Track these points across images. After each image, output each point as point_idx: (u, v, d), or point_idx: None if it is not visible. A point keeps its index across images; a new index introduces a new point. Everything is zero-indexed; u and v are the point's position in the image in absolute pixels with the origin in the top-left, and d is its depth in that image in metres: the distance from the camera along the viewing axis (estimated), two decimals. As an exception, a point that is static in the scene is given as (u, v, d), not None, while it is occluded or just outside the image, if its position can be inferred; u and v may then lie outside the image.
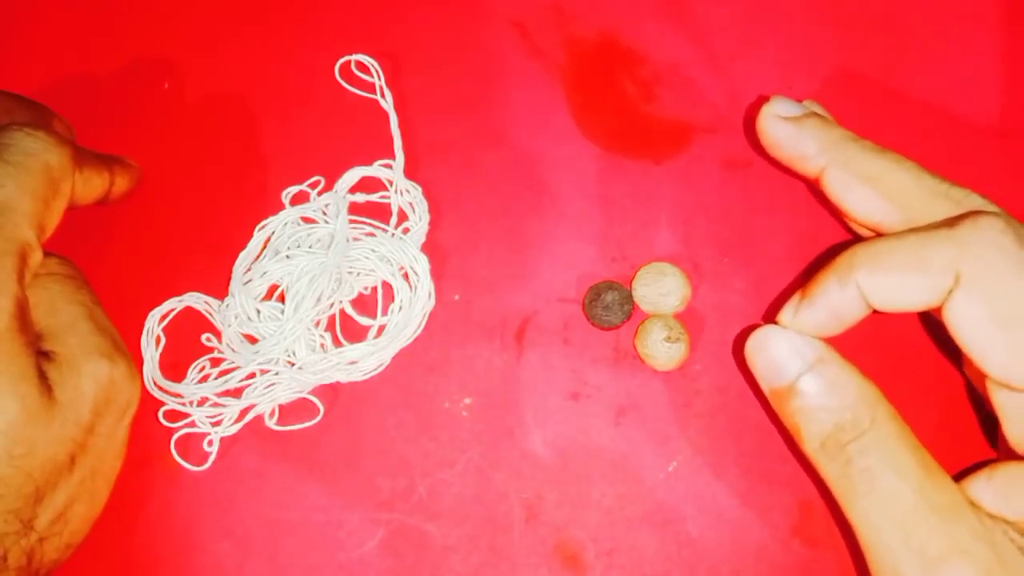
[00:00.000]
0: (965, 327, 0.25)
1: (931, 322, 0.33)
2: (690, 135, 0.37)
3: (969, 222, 0.25)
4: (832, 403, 0.27)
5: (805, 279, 0.29)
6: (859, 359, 0.28)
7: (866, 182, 0.28)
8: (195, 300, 0.35)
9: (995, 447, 0.31)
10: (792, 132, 0.30)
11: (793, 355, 0.28)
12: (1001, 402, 0.26)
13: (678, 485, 0.33)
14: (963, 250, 0.25)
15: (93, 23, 0.40)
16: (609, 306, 0.34)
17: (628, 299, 0.34)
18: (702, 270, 0.35)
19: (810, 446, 0.27)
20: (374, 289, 0.35)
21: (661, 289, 0.33)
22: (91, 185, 0.32)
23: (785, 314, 0.28)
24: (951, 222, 0.26)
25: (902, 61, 0.37)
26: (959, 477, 0.27)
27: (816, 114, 0.30)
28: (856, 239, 0.31)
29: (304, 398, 0.34)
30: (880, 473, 0.26)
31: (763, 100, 0.31)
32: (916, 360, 0.33)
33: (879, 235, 0.29)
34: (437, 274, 0.35)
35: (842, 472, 0.27)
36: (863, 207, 0.28)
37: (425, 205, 0.36)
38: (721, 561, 0.32)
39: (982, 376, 0.26)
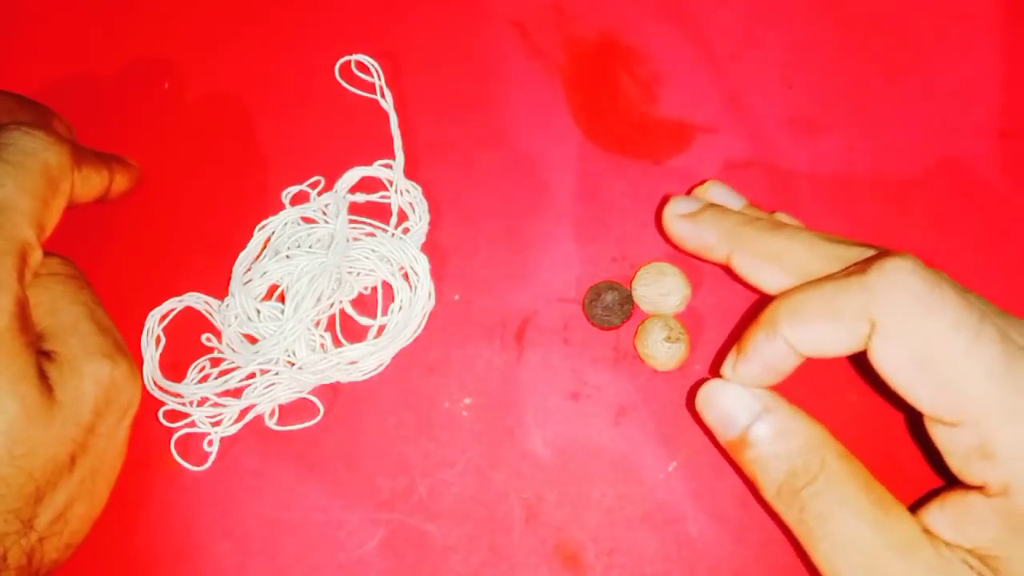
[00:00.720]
0: (889, 370, 0.26)
1: (862, 363, 0.33)
2: (690, 135, 0.37)
3: (876, 268, 0.26)
4: (782, 450, 0.28)
5: (739, 332, 0.30)
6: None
7: (768, 261, 0.29)
8: (195, 300, 0.35)
9: (941, 475, 0.31)
10: (691, 228, 0.31)
11: (740, 407, 0.29)
12: (938, 435, 0.26)
13: (678, 485, 0.33)
14: (873, 296, 0.26)
15: (93, 23, 0.40)
16: (609, 306, 0.34)
17: (628, 299, 0.34)
18: (702, 270, 0.35)
19: (768, 494, 0.28)
20: (374, 289, 0.35)
21: (661, 289, 0.33)
22: (90, 183, 0.32)
23: (726, 368, 0.29)
24: (862, 267, 0.27)
25: (902, 61, 0.37)
26: (916, 506, 0.28)
27: (712, 205, 0.32)
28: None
29: (304, 398, 0.34)
30: (835, 515, 0.26)
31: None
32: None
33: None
34: (437, 274, 0.35)
35: (799, 518, 0.27)
36: (772, 283, 0.29)
37: (425, 205, 0.36)
38: (721, 561, 0.32)
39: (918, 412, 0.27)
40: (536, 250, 0.35)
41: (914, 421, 0.32)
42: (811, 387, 0.33)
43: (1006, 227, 0.35)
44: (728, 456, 0.30)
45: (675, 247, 0.33)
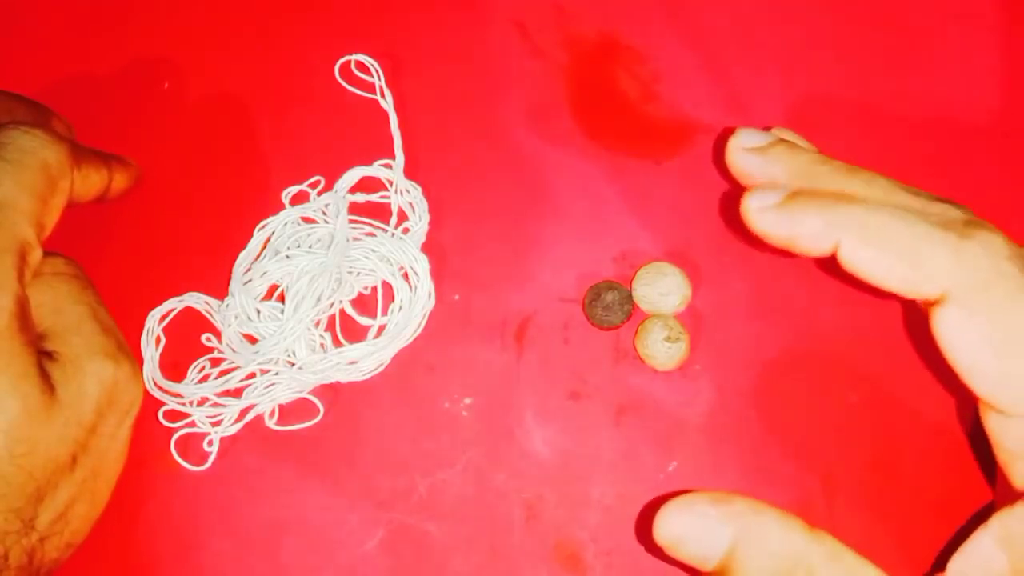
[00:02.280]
0: (956, 345, 0.25)
1: (919, 331, 0.33)
2: (690, 135, 0.37)
3: (979, 240, 0.25)
4: (765, 569, 0.25)
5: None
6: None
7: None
8: (195, 300, 0.35)
9: (992, 483, 0.31)
10: (759, 162, 0.29)
11: (708, 539, 0.26)
12: (992, 422, 0.25)
13: (678, 485, 0.33)
14: (962, 266, 0.24)
15: (93, 23, 0.40)
16: (609, 306, 0.34)
17: (628, 299, 0.34)
18: (702, 270, 0.35)
19: None
20: (374, 289, 0.35)
21: (661, 289, 0.33)
22: (89, 182, 0.32)
23: (755, 198, 0.27)
24: (962, 230, 0.25)
25: (902, 61, 0.37)
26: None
27: (783, 140, 0.30)
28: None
29: (304, 398, 0.34)
30: None
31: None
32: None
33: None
34: (437, 274, 0.35)
35: None
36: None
37: (425, 205, 0.36)
38: (721, 561, 0.32)
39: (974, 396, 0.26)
40: (536, 250, 0.35)
41: (976, 440, 0.32)
42: (811, 387, 0.33)
43: (1006, 227, 0.35)
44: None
45: (735, 183, 0.30)
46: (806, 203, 0.27)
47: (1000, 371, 0.24)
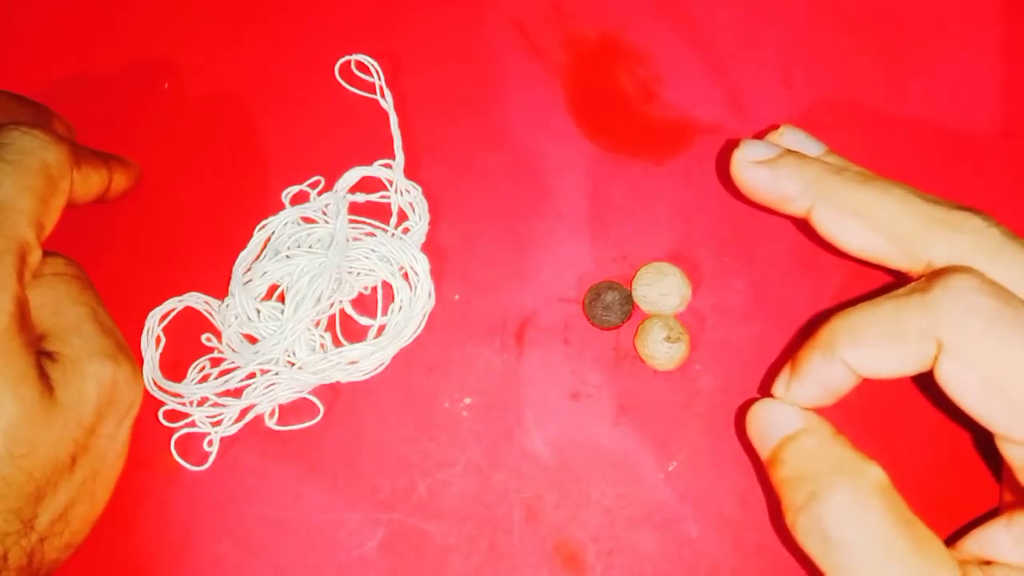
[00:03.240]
0: (959, 393, 0.24)
1: (924, 380, 0.33)
2: (690, 135, 0.37)
3: (940, 285, 0.25)
4: (808, 472, 0.26)
5: (794, 348, 0.28)
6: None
7: (856, 217, 0.27)
8: (195, 300, 0.35)
9: (997, 476, 0.31)
10: (769, 175, 0.28)
11: (778, 423, 0.27)
12: (1010, 453, 0.25)
13: (678, 485, 0.33)
14: (939, 317, 0.24)
15: (93, 23, 0.40)
16: (609, 306, 0.34)
17: (628, 299, 0.34)
18: (702, 270, 0.35)
19: (788, 518, 0.26)
20: (374, 289, 0.35)
21: (661, 289, 0.33)
22: (89, 183, 0.32)
23: (778, 388, 0.28)
24: (924, 285, 0.25)
25: (902, 61, 0.37)
26: (974, 524, 0.27)
27: (791, 152, 0.29)
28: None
29: (304, 398, 0.34)
30: (859, 552, 0.24)
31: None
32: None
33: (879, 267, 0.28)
34: (437, 274, 0.35)
35: (821, 549, 0.25)
36: (857, 242, 0.28)
37: (425, 205, 0.36)
38: (721, 561, 0.32)
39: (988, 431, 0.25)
40: (536, 250, 0.35)
41: (980, 437, 0.32)
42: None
43: (1007, 227, 0.35)
44: (764, 475, 0.28)
45: (743, 198, 0.30)
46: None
47: (1012, 410, 0.24)
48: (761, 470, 0.29)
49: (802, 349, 0.27)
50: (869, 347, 0.26)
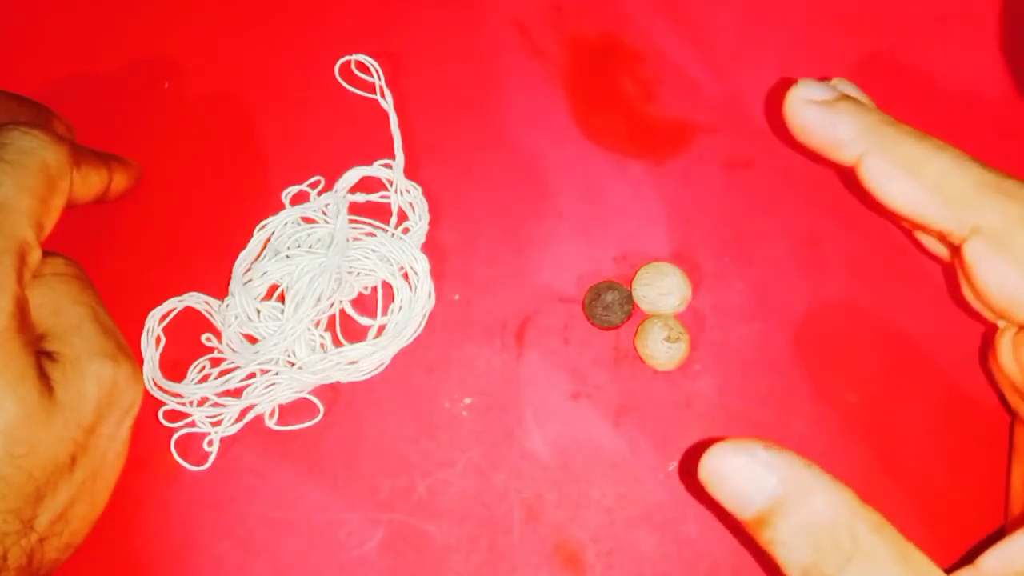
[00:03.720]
0: (991, 277, 0.24)
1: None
2: (690, 135, 0.37)
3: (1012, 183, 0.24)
4: (806, 529, 0.24)
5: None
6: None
7: (907, 171, 0.26)
8: (195, 300, 0.35)
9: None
10: (824, 117, 0.27)
11: (752, 484, 0.24)
12: None
13: (678, 485, 0.32)
14: (999, 201, 0.24)
15: (93, 23, 0.40)
16: (609, 306, 0.34)
17: (628, 299, 0.34)
18: (702, 270, 0.35)
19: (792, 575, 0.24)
20: (374, 289, 0.35)
21: (661, 289, 0.33)
22: (89, 183, 0.32)
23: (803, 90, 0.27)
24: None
25: (902, 61, 0.37)
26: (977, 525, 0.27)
27: (848, 96, 0.28)
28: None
29: (304, 398, 0.34)
30: None
31: (781, 86, 0.30)
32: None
33: (919, 227, 0.27)
34: (437, 274, 0.35)
35: None
36: (904, 199, 0.26)
37: (425, 205, 0.36)
38: (721, 561, 0.32)
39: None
40: (536, 250, 0.35)
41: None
42: (811, 387, 0.33)
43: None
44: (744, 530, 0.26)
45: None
46: (849, 110, 0.27)
47: None
48: (726, 515, 0.26)
49: (851, 102, 0.27)
50: (904, 172, 0.25)
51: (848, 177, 0.28)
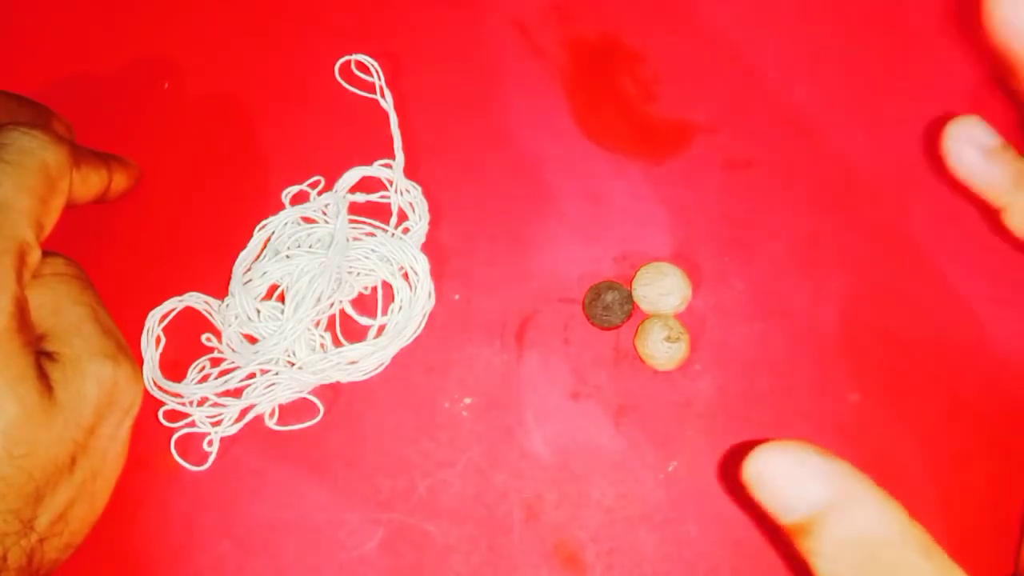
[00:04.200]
0: None
1: None
2: (690, 135, 0.37)
3: None
4: (852, 544, 0.23)
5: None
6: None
7: None
8: (195, 300, 0.35)
9: None
10: (982, 162, 0.28)
11: (801, 492, 0.23)
12: None
13: (678, 485, 0.33)
14: None
15: (93, 23, 0.40)
16: (609, 306, 0.34)
17: (628, 299, 0.34)
18: (702, 270, 0.35)
19: None
20: (374, 289, 0.35)
21: (661, 289, 0.33)
22: (89, 183, 0.32)
23: None
24: None
25: (902, 61, 0.37)
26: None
27: (1007, 146, 0.28)
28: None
29: (304, 398, 0.34)
30: None
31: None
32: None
33: None
34: (437, 274, 0.35)
35: None
36: None
37: (425, 205, 0.36)
38: (721, 561, 0.32)
39: None
40: (536, 250, 0.35)
41: None
42: (811, 387, 0.33)
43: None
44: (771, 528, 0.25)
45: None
46: (1006, 161, 0.27)
47: None
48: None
49: (1010, 152, 0.26)
50: None
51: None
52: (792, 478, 0.23)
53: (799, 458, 0.24)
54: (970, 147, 0.28)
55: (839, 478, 0.24)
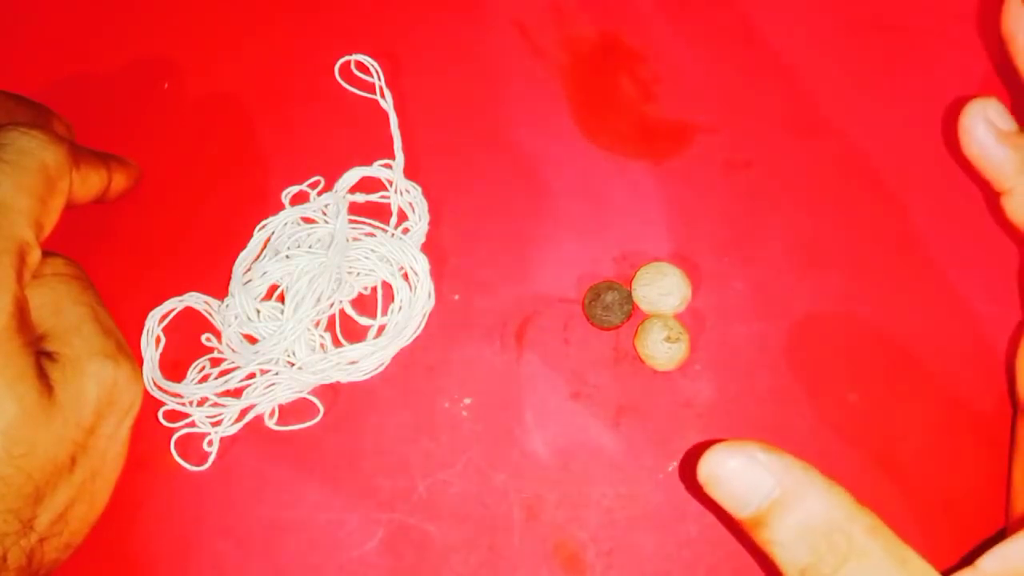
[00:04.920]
0: None
1: None
2: (690, 135, 0.37)
3: None
4: (803, 530, 0.24)
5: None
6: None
7: None
8: (195, 300, 0.35)
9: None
10: (997, 146, 0.28)
11: (750, 485, 0.25)
12: None
13: (678, 485, 0.32)
14: None
15: (93, 23, 0.40)
16: (609, 306, 0.34)
17: (628, 299, 0.34)
18: (702, 270, 0.35)
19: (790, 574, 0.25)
20: (374, 289, 0.35)
21: (661, 289, 0.33)
22: (89, 183, 0.32)
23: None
24: None
25: (902, 61, 0.37)
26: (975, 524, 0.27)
27: (1021, 132, 0.29)
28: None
29: (304, 398, 0.34)
30: None
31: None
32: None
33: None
34: (437, 274, 0.35)
35: None
36: None
37: (425, 205, 0.36)
38: (721, 561, 0.32)
39: None
40: (536, 250, 0.35)
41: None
42: (811, 387, 0.33)
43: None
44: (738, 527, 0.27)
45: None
46: (1020, 144, 0.27)
47: None
48: (725, 515, 0.27)
49: None
50: None
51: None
52: (743, 475, 0.25)
53: (748, 455, 0.25)
54: (986, 125, 0.28)
55: (787, 471, 0.25)
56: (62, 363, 0.29)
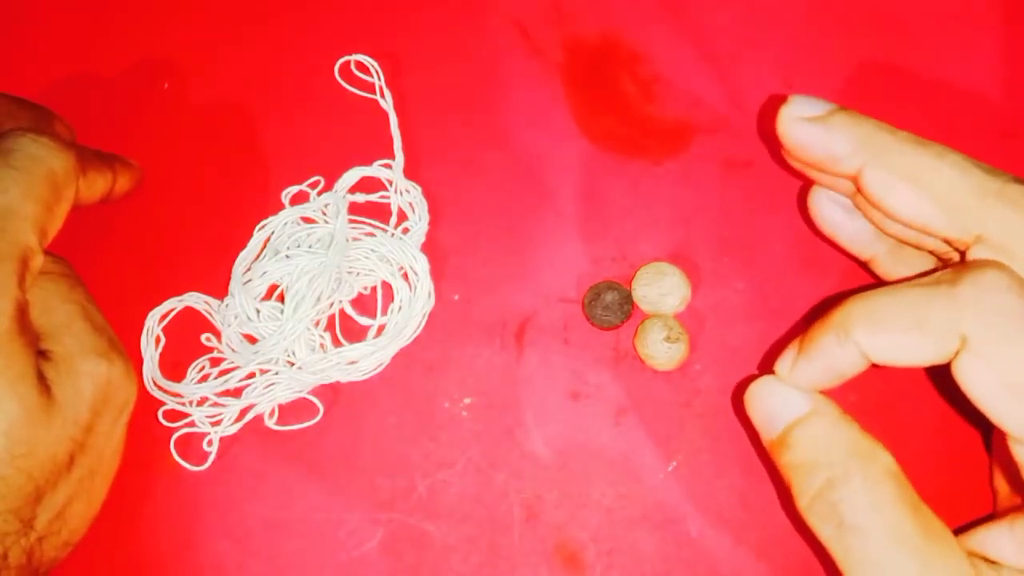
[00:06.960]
0: (978, 391, 0.24)
1: (937, 373, 0.32)
2: (690, 135, 0.37)
3: (969, 280, 0.24)
4: (822, 458, 0.25)
5: (805, 325, 0.27)
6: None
7: (908, 181, 0.26)
8: (195, 300, 0.35)
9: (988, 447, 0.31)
10: (820, 133, 0.27)
11: (786, 406, 0.27)
12: (1021, 455, 0.24)
13: (678, 485, 0.32)
14: (965, 311, 0.23)
15: (93, 23, 0.40)
16: (609, 306, 0.34)
17: (628, 299, 0.34)
18: (702, 270, 0.35)
19: (801, 502, 0.26)
20: (374, 289, 0.35)
21: (661, 289, 0.33)
22: (95, 187, 0.33)
23: (781, 365, 0.27)
24: (952, 276, 0.24)
25: (902, 61, 0.37)
26: (972, 525, 0.27)
27: (842, 108, 0.28)
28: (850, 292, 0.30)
29: (304, 398, 0.34)
30: (875, 538, 0.24)
31: (776, 99, 0.30)
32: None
33: (880, 283, 0.28)
34: (437, 274, 0.35)
35: (835, 534, 0.25)
36: (907, 209, 0.26)
37: (425, 205, 0.36)
38: (721, 561, 0.32)
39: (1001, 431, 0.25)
40: (536, 250, 0.35)
41: (987, 434, 0.31)
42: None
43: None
44: (766, 458, 0.28)
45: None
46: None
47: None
48: (760, 447, 0.28)
49: (813, 328, 0.26)
50: (887, 334, 0.24)
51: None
52: (779, 397, 0.27)
53: (775, 384, 0.27)
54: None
55: (817, 399, 0.27)
56: (56, 362, 0.29)
